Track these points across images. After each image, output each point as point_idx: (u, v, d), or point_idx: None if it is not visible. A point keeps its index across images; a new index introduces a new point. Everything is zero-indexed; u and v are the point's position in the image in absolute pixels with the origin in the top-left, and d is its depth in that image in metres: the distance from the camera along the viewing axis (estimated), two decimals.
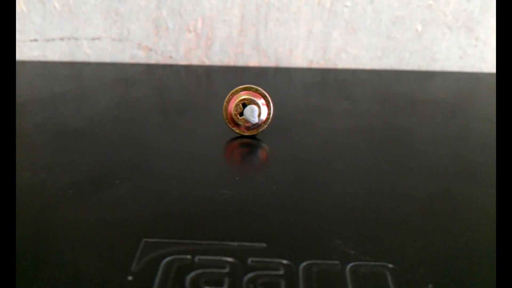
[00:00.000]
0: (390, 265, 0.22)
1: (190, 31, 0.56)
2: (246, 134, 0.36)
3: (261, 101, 0.36)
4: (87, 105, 0.43)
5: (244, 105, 0.36)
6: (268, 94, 0.36)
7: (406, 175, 0.31)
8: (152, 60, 0.57)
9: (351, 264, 0.22)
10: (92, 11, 0.55)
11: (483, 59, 0.59)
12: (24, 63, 0.57)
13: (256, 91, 0.36)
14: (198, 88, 0.51)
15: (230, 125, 0.36)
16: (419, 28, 0.57)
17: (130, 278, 0.20)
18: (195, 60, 0.57)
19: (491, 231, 0.25)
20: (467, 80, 0.56)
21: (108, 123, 0.39)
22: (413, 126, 0.40)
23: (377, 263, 0.22)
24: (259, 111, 0.36)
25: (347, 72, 0.56)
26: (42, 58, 0.57)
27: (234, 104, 0.36)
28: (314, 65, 0.58)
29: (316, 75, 0.55)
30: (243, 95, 0.36)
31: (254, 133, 0.36)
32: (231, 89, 0.36)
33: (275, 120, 0.37)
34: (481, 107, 0.47)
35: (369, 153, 0.34)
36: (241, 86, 0.36)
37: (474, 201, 0.28)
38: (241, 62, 0.57)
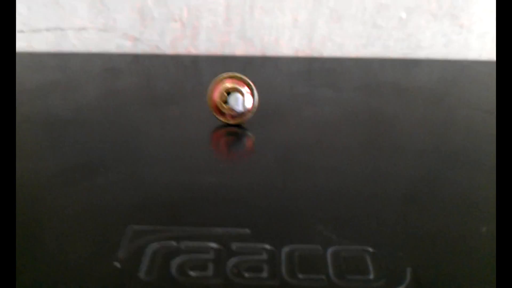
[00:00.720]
0: (370, 249, 0.22)
1: (175, 21, 0.56)
2: (231, 122, 0.37)
3: (245, 89, 0.36)
4: (74, 95, 0.43)
5: (229, 93, 0.36)
6: (253, 82, 0.36)
7: (389, 161, 0.32)
8: (139, 50, 0.58)
9: (332, 248, 0.22)
10: (78, 1, 0.55)
11: (468, 46, 0.59)
12: None
13: (240, 79, 0.36)
14: (185, 78, 0.51)
15: (215, 114, 0.37)
16: (404, 15, 0.57)
17: (117, 264, 0.21)
18: (181, 50, 0.58)
19: (471, 215, 0.26)
20: (452, 68, 0.57)
21: (95, 113, 0.39)
22: (397, 113, 0.41)
23: (358, 247, 0.22)
24: (244, 99, 0.36)
25: (333, 60, 0.57)
26: (29, 49, 0.57)
27: (218, 93, 0.36)
28: (300, 53, 0.58)
29: (302, 64, 0.55)
30: (228, 83, 0.36)
31: (239, 121, 0.37)
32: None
33: (261, 108, 0.37)
34: (465, 95, 0.47)
35: (353, 140, 0.35)
36: (225, 74, 0.36)
37: (455, 186, 0.29)
38: (227, 51, 0.58)
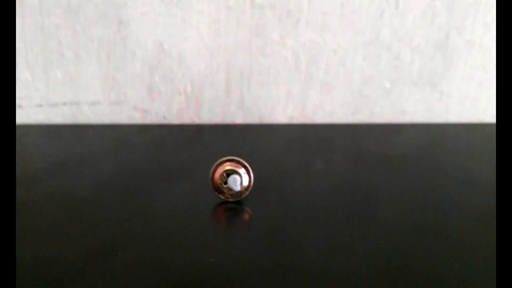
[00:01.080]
0: None
1: (181, 94, 0.62)
2: (230, 200, 0.42)
3: (242, 171, 0.41)
4: (89, 170, 0.48)
5: (228, 175, 0.41)
6: (248, 163, 0.41)
7: (368, 237, 0.37)
8: (148, 121, 0.63)
9: None
10: (91, 78, 0.61)
11: (448, 110, 0.65)
12: (30, 126, 0.62)
13: (238, 162, 0.42)
14: (190, 147, 0.56)
15: (216, 193, 0.42)
16: (388, 85, 0.63)
17: None
18: (186, 119, 0.63)
19: None
20: (434, 131, 0.62)
21: (109, 191, 0.44)
22: (379, 184, 0.46)
23: None
24: (241, 180, 0.41)
25: (324, 127, 0.62)
26: (47, 121, 0.63)
27: (219, 174, 0.41)
28: (294, 120, 0.64)
29: (295, 131, 0.61)
30: (227, 166, 0.41)
31: (238, 199, 0.42)
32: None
33: (257, 182, 0.42)
34: (445, 161, 0.52)
35: (338, 215, 0.40)
36: (224, 158, 0.42)
37: (426, 261, 0.34)
38: (228, 119, 0.63)
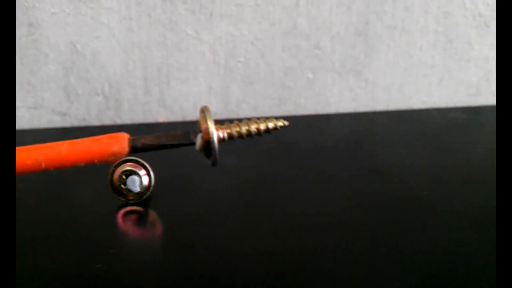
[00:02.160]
0: None
1: (99, 95, 0.60)
2: (131, 201, 0.41)
3: (142, 172, 0.40)
4: None
5: (127, 176, 0.40)
6: (150, 165, 0.40)
7: (270, 232, 0.36)
8: (68, 124, 0.61)
9: None
10: None
11: (374, 99, 0.64)
12: None
13: (137, 162, 0.40)
14: None
15: (116, 194, 0.40)
16: (310, 76, 0.62)
17: None
18: (107, 121, 0.62)
19: None
20: (360, 120, 0.62)
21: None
22: (290, 178, 0.45)
23: None
24: (140, 181, 0.40)
25: None
26: None
27: (117, 176, 0.40)
28: (218, 116, 0.62)
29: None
30: (126, 167, 0.40)
31: (138, 199, 0.40)
32: None
33: (163, 182, 0.42)
34: (367, 151, 0.52)
35: (245, 211, 0.39)
36: (123, 159, 0.40)
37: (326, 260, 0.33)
38: (150, 118, 0.62)
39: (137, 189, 0.40)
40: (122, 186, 0.40)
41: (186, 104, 0.62)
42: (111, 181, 0.40)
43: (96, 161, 0.30)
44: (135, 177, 0.40)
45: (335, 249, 0.34)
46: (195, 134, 0.35)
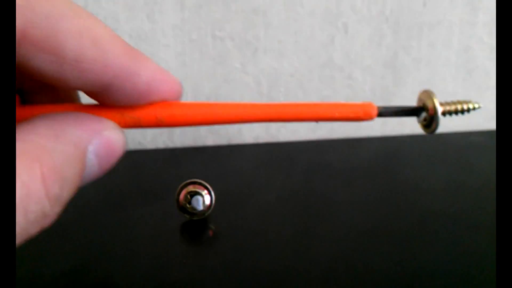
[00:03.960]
0: None
1: None
2: (195, 218, 0.45)
3: (204, 192, 0.45)
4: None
5: (191, 196, 0.45)
6: (210, 185, 0.45)
7: (317, 245, 0.40)
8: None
9: None
10: None
11: (402, 124, 0.69)
12: None
13: (200, 184, 0.45)
14: (165, 171, 0.59)
15: (181, 212, 0.45)
16: None
17: None
18: (160, 144, 0.67)
19: None
20: (389, 143, 0.66)
21: (93, 214, 0.48)
22: (333, 195, 0.49)
23: None
24: (203, 200, 0.45)
25: (289, 144, 0.66)
26: None
27: (183, 196, 0.45)
28: (260, 140, 0.67)
29: (262, 149, 0.64)
30: (190, 188, 0.45)
31: (201, 217, 0.45)
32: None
33: (222, 199, 0.47)
34: (396, 170, 0.56)
35: (292, 225, 0.44)
36: (188, 181, 0.45)
37: (374, 268, 0.37)
38: (199, 142, 0.67)
39: (200, 207, 0.45)
40: (188, 205, 0.45)
41: (231, 129, 0.67)
42: (177, 200, 0.45)
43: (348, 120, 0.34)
44: (199, 197, 0.45)
45: (375, 253, 0.38)
46: (420, 111, 0.40)
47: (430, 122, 0.36)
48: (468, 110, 0.37)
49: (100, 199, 0.50)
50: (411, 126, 0.69)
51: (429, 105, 0.36)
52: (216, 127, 0.67)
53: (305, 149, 0.64)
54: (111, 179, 0.54)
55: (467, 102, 0.38)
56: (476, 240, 0.40)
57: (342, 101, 0.39)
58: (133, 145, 0.67)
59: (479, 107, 0.37)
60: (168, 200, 0.48)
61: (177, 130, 0.66)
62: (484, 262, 0.37)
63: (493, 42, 0.67)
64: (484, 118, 0.71)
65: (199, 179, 0.45)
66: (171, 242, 0.43)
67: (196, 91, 0.65)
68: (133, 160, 0.63)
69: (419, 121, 0.36)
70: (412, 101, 0.68)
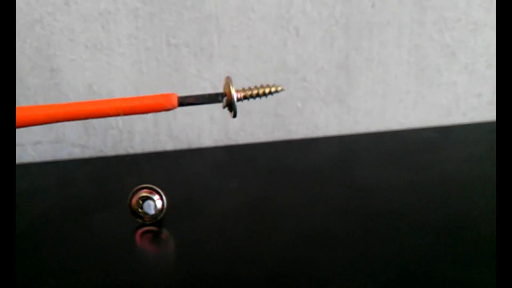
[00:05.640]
0: None
1: (113, 128, 0.65)
2: (147, 222, 0.45)
3: (155, 197, 0.45)
4: (33, 206, 0.51)
5: (143, 201, 0.44)
6: (167, 189, 0.45)
7: (264, 248, 0.40)
8: (86, 155, 0.66)
9: None
10: None
11: (357, 122, 0.69)
12: None
13: (152, 189, 0.45)
14: (126, 177, 0.59)
15: (134, 217, 0.45)
16: (299, 105, 0.66)
17: None
18: (121, 151, 0.66)
19: None
20: (345, 142, 0.66)
21: (46, 223, 0.47)
22: (283, 199, 0.49)
23: None
24: (155, 204, 0.44)
25: (247, 146, 0.66)
26: None
27: (135, 201, 0.44)
28: (220, 143, 0.67)
29: (221, 152, 0.64)
30: (142, 193, 0.45)
31: (153, 221, 0.45)
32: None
33: (176, 204, 0.47)
34: (348, 170, 0.56)
35: (245, 226, 0.44)
36: (139, 186, 0.45)
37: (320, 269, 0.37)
38: (159, 148, 0.67)
39: (152, 212, 0.45)
40: (139, 209, 0.45)
41: (191, 134, 0.67)
42: (130, 205, 0.45)
43: (155, 111, 0.37)
44: (150, 202, 0.44)
45: (323, 256, 0.38)
46: (222, 96, 0.41)
47: (230, 105, 0.38)
48: (271, 93, 0.39)
49: (60, 207, 0.50)
50: (367, 124, 0.69)
51: (226, 90, 0.38)
52: (176, 132, 0.66)
53: (263, 150, 0.64)
54: (72, 187, 0.54)
55: (269, 86, 0.40)
56: (420, 237, 0.40)
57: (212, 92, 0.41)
58: (95, 153, 0.66)
59: (282, 90, 0.39)
60: (125, 205, 0.47)
61: (137, 137, 0.66)
62: (428, 259, 0.37)
63: (443, 39, 0.68)
64: (437, 114, 0.71)
65: (156, 184, 0.45)
66: (123, 246, 0.42)
67: None
68: (94, 167, 0.62)
69: (223, 107, 0.38)
70: (366, 100, 0.68)
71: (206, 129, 0.66)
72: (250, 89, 0.40)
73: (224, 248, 0.40)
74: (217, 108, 0.66)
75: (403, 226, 0.42)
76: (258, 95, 0.40)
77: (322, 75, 0.66)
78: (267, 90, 0.40)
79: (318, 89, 0.67)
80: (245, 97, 0.40)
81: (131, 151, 0.66)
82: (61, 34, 0.61)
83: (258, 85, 0.41)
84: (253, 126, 0.67)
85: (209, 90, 0.64)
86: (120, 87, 0.63)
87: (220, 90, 0.62)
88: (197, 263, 0.38)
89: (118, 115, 0.35)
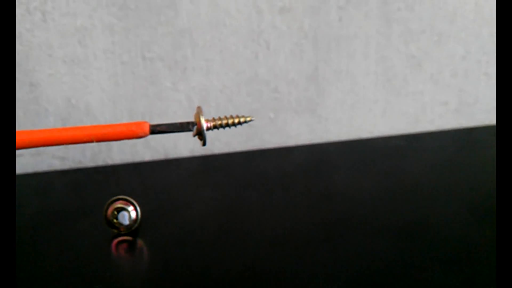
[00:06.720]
0: None
1: (92, 140, 0.66)
2: (122, 232, 0.46)
3: (130, 207, 0.46)
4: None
5: (118, 212, 0.46)
6: (143, 199, 0.46)
7: (232, 253, 0.41)
8: (66, 167, 0.67)
9: None
10: None
11: (328, 131, 0.71)
12: None
13: (126, 200, 0.46)
14: (104, 188, 0.60)
15: (110, 227, 0.46)
16: (272, 115, 0.68)
17: None
18: (100, 162, 0.67)
19: None
20: (316, 151, 0.68)
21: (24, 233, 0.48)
22: (255, 204, 0.51)
23: None
24: (129, 215, 0.46)
25: (222, 156, 0.67)
26: None
27: (110, 212, 0.46)
28: (196, 153, 0.68)
29: (197, 162, 0.65)
30: (117, 204, 0.46)
31: (128, 231, 0.46)
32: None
33: (150, 215, 0.48)
34: (319, 177, 0.58)
35: (217, 233, 0.45)
36: (114, 198, 0.46)
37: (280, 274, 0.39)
38: (137, 158, 0.68)
39: (126, 222, 0.46)
40: (115, 220, 0.46)
41: (168, 144, 0.68)
42: (105, 216, 0.46)
43: (127, 139, 0.38)
44: (125, 213, 0.46)
45: (289, 257, 0.40)
46: (192, 125, 0.42)
47: (200, 134, 0.40)
48: (240, 123, 0.41)
49: (38, 217, 0.51)
50: (337, 133, 0.71)
51: (197, 120, 0.40)
52: (153, 143, 0.68)
53: (238, 160, 0.66)
54: (51, 198, 0.55)
55: (238, 117, 0.42)
56: (381, 240, 0.42)
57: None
58: (74, 164, 0.67)
59: (250, 120, 0.41)
60: (101, 216, 0.48)
61: (115, 147, 0.67)
62: (386, 261, 0.39)
63: (409, 50, 0.70)
64: (406, 122, 0.73)
65: (133, 194, 0.47)
66: (99, 255, 0.43)
67: (131, 110, 0.65)
68: (73, 178, 0.63)
69: (193, 135, 0.40)
70: (336, 110, 0.70)
71: (183, 139, 0.68)
72: (220, 119, 0.42)
73: (196, 253, 0.42)
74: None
75: (365, 230, 0.44)
76: (227, 125, 0.42)
77: (293, 86, 0.68)
78: (236, 121, 0.42)
79: (289, 100, 0.68)
80: (214, 127, 0.42)
81: (110, 162, 0.67)
82: (40, 50, 0.62)
83: (228, 116, 0.42)
84: (227, 136, 0.68)
85: (185, 102, 0.66)
86: (98, 100, 0.64)
87: (195, 102, 0.63)
88: (170, 268, 0.40)
89: (91, 141, 0.37)
